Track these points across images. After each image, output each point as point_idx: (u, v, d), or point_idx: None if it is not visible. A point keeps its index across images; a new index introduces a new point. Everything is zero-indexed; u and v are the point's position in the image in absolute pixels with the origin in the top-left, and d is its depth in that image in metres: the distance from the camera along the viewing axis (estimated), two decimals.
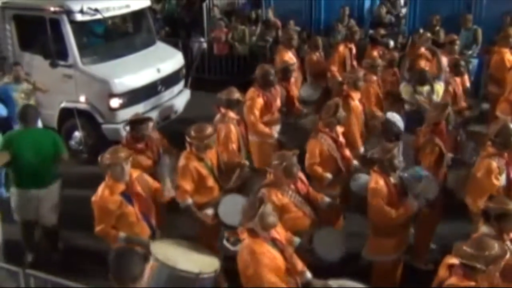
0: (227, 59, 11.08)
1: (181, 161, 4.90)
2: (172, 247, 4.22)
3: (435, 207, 5.15)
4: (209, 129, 4.94)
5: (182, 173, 4.83)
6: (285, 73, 7.11)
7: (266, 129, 6.32)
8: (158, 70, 8.25)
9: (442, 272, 3.48)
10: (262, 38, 10.74)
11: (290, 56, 8.25)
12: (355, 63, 8.38)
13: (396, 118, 6.46)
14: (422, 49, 8.28)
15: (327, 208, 4.86)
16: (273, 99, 6.50)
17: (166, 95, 8.46)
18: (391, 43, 9.43)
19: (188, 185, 4.81)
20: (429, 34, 8.56)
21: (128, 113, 7.47)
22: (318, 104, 7.97)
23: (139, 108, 7.78)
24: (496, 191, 4.59)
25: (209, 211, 4.90)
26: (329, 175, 5.35)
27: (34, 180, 5.43)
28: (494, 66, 8.06)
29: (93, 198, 4.40)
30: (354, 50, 8.54)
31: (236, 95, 5.94)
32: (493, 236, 3.67)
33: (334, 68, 8.35)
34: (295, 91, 7.33)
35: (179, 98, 8.77)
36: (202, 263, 4.05)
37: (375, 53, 8.27)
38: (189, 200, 4.84)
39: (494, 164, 4.63)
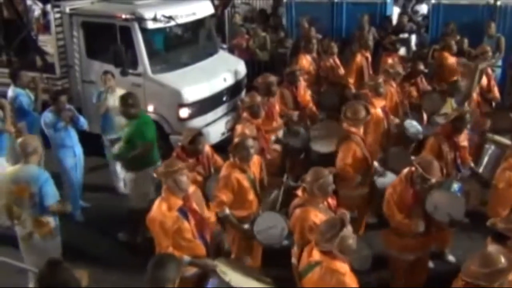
0: (248, 65, 11.13)
1: (223, 171, 4.84)
2: (235, 271, 4.15)
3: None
4: (249, 141, 4.87)
5: (223, 183, 4.74)
6: (292, 77, 7.14)
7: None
8: (225, 79, 8.14)
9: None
10: (283, 45, 10.76)
11: (308, 60, 8.26)
12: (371, 71, 8.31)
13: (413, 125, 6.41)
14: (450, 59, 8.14)
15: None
16: (273, 106, 6.53)
17: (230, 105, 8.31)
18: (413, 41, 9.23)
19: (225, 196, 4.71)
20: (453, 42, 8.45)
21: (196, 124, 7.51)
22: (335, 109, 7.96)
23: (206, 119, 7.72)
24: None
25: (245, 226, 4.86)
26: (359, 176, 5.44)
27: (155, 157, 6.15)
28: None
29: (150, 215, 4.13)
30: (370, 58, 8.46)
31: (258, 99, 6.04)
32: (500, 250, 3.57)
33: (351, 80, 8.23)
34: (304, 96, 7.32)
35: None
36: None
37: (389, 60, 8.14)
38: (227, 210, 4.73)
39: None
